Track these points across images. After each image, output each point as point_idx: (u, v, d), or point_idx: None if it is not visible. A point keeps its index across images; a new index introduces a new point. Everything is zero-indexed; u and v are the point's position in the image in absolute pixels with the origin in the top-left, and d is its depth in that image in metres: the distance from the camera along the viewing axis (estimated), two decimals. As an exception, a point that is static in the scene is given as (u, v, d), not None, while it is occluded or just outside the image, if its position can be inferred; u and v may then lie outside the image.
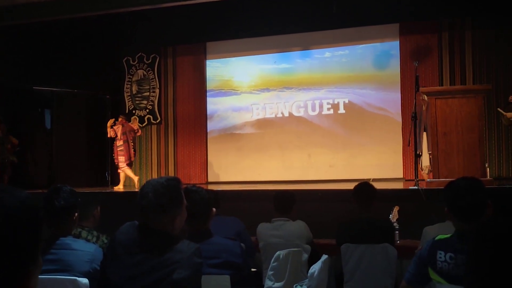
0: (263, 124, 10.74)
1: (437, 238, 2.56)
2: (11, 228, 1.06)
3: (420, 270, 2.56)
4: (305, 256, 4.29)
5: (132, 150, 9.55)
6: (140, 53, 11.40)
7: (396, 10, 9.52)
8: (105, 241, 3.44)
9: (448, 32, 9.52)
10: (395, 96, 9.84)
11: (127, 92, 11.51)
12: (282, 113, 10.62)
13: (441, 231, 2.88)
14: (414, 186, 6.31)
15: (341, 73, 10.29)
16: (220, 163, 10.91)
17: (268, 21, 10.04)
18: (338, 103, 10.28)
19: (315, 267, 3.68)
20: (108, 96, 11.53)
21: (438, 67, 9.53)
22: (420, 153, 6.68)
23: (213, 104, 11.09)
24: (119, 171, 9.64)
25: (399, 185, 8.27)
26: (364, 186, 4.43)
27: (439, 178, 6.13)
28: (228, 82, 11.06)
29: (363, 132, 10.03)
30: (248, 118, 10.84)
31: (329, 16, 9.41)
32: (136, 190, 8.63)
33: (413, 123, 6.57)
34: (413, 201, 5.87)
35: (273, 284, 3.91)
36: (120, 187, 9.48)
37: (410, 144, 6.61)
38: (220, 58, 11.11)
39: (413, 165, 7.33)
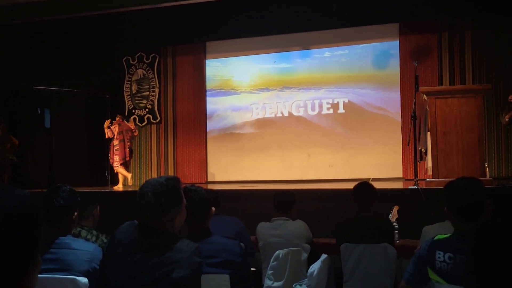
0: (262, 123, 10.74)
1: (436, 238, 2.56)
2: (11, 227, 1.06)
3: (419, 270, 2.56)
4: (305, 255, 4.29)
5: (127, 150, 9.51)
6: (139, 53, 11.39)
7: (395, 10, 9.51)
8: (105, 240, 3.44)
9: (448, 32, 9.52)
10: (395, 96, 9.84)
11: (127, 91, 11.50)
12: (281, 112, 10.62)
13: (441, 230, 2.89)
14: (414, 185, 6.30)
15: (341, 72, 10.28)
16: (219, 162, 10.90)
17: (268, 20, 10.03)
18: (337, 102, 10.28)
19: (315, 267, 3.68)
20: (107, 96, 11.52)
21: (437, 67, 9.53)
22: (425, 153, 6.60)
23: (212, 103, 11.08)
24: (115, 170, 9.67)
25: (399, 185, 8.28)
26: (363, 186, 4.44)
27: (438, 178, 6.13)
28: (227, 82, 11.05)
29: (362, 132, 10.03)
30: (247, 117, 10.83)
31: (329, 15, 9.41)
32: (132, 189, 8.64)
33: (412, 122, 6.55)
34: (412, 201, 5.86)
35: (273, 283, 3.92)
36: (119, 187, 9.50)
37: (410, 144, 6.60)
38: (219, 57, 11.11)
39: (413, 164, 7.33)
